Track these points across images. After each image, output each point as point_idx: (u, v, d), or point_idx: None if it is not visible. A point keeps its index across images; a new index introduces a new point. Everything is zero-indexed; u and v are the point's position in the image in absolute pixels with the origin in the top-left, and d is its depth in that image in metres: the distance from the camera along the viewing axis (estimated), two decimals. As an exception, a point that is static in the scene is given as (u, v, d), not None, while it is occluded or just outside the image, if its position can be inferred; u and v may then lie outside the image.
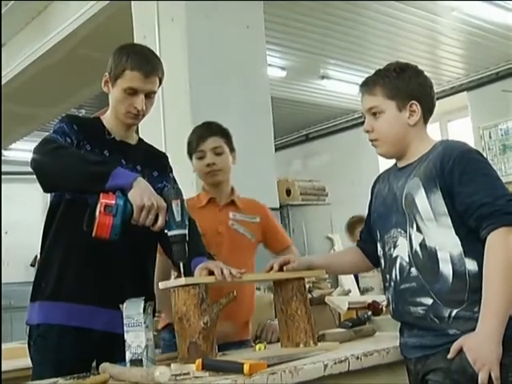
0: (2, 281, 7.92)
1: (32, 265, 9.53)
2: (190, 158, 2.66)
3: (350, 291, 4.31)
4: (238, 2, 4.26)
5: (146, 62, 2.06)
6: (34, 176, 1.87)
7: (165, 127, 4.13)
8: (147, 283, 2.17)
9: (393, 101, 1.93)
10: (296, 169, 10.70)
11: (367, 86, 1.99)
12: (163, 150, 3.93)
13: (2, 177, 10.41)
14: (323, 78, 7.81)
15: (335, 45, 6.80)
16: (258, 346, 2.23)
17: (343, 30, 6.42)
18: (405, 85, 1.93)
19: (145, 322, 1.78)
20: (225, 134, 2.66)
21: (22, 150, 9.80)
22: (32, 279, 2.07)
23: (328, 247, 4.79)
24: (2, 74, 6.21)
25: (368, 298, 3.40)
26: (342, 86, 8.03)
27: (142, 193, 1.81)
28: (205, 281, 1.90)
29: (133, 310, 1.80)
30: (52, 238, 2.05)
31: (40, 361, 2.03)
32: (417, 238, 1.86)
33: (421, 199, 1.85)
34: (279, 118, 7.15)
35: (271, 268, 2.11)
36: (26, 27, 5.92)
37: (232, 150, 2.66)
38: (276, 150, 5.03)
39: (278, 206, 4.30)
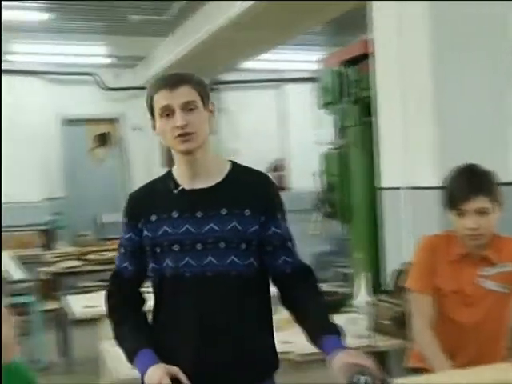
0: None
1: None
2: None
3: None
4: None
5: (169, 78, 1.92)
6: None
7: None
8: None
9: None
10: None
11: None
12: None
13: (240, 85, 10.67)
14: None
15: None
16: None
17: None
18: None
19: None
20: (493, 190, 2.28)
21: (261, 60, 9.89)
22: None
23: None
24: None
25: None
26: None
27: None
28: None
29: None
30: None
31: None
32: None
33: None
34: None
35: None
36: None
37: (500, 204, 2.30)
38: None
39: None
